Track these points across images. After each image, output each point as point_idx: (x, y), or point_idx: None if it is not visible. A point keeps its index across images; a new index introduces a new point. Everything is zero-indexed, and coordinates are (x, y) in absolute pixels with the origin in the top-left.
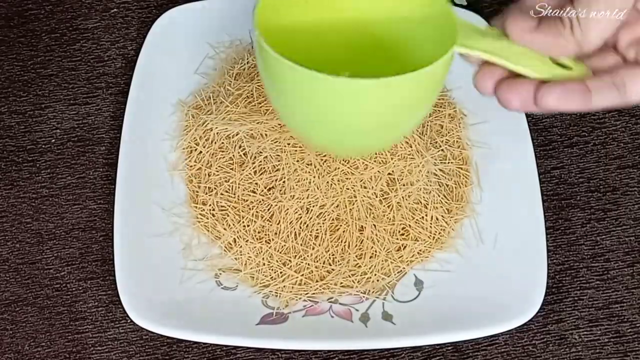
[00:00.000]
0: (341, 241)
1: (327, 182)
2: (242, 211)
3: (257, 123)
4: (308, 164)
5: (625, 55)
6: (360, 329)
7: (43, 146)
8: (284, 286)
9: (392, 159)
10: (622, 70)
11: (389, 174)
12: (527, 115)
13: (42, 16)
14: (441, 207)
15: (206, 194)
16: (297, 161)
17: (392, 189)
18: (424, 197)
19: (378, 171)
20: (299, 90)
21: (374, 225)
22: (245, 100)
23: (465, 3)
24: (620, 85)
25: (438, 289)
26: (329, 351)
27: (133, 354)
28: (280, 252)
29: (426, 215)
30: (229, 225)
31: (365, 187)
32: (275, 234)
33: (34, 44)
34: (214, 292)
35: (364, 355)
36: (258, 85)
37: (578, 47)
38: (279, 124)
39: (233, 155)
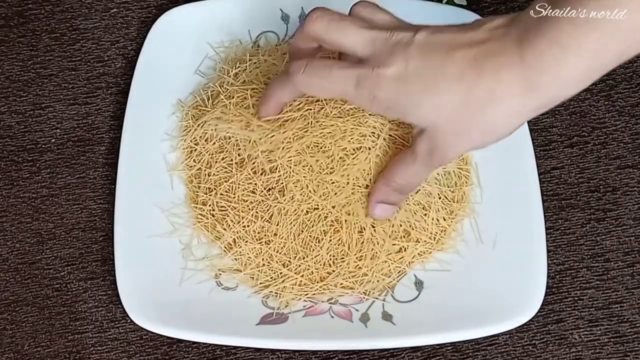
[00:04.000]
0: (341, 243)
1: (327, 182)
2: (242, 212)
3: (257, 123)
4: (305, 166)
5: None
6: (360, 329)
7: (43, 146)
8: (284, 287)
9: (392, 159)
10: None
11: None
12: None
13: (42, 16)
14: (442, 207)
15: (206, 194)
16: (295, 165)
17: None
18: (424, 198)
19: (378, 172)
20: None
21: (374, 227)
22: (245, 101)
23: (465, 3)
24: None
25: (438, 289)
26: (329, 351)
27: (133, 354)
28: (280, 253)
29: (427, 216)
30: (229, 225)
31: (365, 188)
32: (275, 234)
33: (34, 44)
34: (214, 292)
35: (364, 355)
36: (258, 86)
37: None
38: (278, 125)
39: (232, 156)
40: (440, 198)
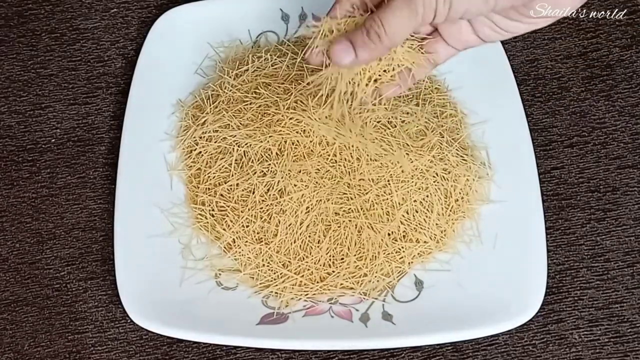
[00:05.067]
0: (341, 243)
1: (326, 183)
2: (241, 212)
3: (256, 125)
4: (305, 167)
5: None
6: (360, 329)
7: (43, 146)
8: (284, 287)
9: (392, 159)
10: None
11: (389, 174)
12: (527, 115)
13: (42, 16)
14: (442, 207)
15: (205, 194)
16: (295, 166)
17: (392, 189)
18: (424, 198)
19: (378, 172)
20: None
21: (374, 227)
22: (244, 101)
23: None
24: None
25: (438, 289)
26: (329, 351)
27: (133, 354)
28: (279, 254)
29: (427, 217)
30: (228, 226)
31: (364, 189)
32: (274, 235)
33: (34, 44)
34: (214, 292)
35: (364, 355)
36: (258, 85)
37: None
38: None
39: (232, 156)
40: (440, 197)
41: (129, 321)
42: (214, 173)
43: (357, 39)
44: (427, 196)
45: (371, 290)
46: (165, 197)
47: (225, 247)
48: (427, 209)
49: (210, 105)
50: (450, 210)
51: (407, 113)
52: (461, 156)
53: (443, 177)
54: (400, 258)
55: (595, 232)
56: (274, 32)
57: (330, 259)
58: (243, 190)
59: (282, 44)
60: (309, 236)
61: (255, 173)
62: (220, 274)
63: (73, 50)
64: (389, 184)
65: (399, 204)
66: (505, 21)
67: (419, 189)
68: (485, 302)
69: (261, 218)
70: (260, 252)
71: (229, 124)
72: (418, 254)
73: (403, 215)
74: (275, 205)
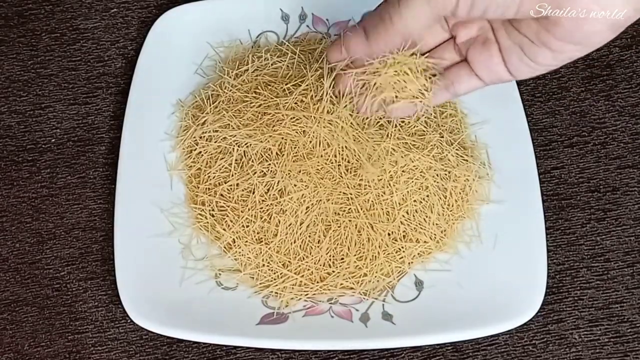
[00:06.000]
0: (341, 243)
1: (326, 183)
2: (241, 212)
3: (256, 124)
4: (305, 167)
5: (460, 50)
6: (360, 329)
7: (43, 146)
8: (284, 287)
9: (392, 158)
10: (451, 71)
11: (389, 174)
12: (527, 115)
13: (42, 16)
14: (442, 207)
15: (205, 194)
16: (295, 166)
17: (392, 189)
18: (424, 197)
19: (378, 173)
20: None
21: (374, 227)
22: (244, 101)
23: None
24: (450, 85)
25: (438, 289)
26: (329, 351)
27: (133, 354)
28: (279, 254)
29: (427, 217)
30: (228, 226)
31: (364, 189)
32: (274, 235)
33: (34, 44)
34: (214, 292)
35: (364, 355)
36: (258, 85)
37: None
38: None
39: (232, 156)
40: (439, 197)
41: (129, 321)
42: (214, 173)
43: (369, 22)
44: (427, 196)
45: (371, 290)
46: (165, 197)
47: (225, 247)
48: (427, 209)
49: (210, 105)
50: (450, 210)
51: None
52: (461, 156)
53: (443, 177)
54: (400, 258)
55: (595, 232)
56: (274, 32)
57: (330, 259)
58: (243, 190)
59: (282, 44)
60: (309, 236)
61: (255, 173)
62: (220, 274)
63: (73, 50)
64: (389, 184)
65: (399, 204)
66: (533, 48)
67: (419, 189)
68: (485, 302)
69: (261, 218)
70: (260, 252)
71: (229, 124)
72: (418, 254)
73: (403, 215)
74: (275, 205)
